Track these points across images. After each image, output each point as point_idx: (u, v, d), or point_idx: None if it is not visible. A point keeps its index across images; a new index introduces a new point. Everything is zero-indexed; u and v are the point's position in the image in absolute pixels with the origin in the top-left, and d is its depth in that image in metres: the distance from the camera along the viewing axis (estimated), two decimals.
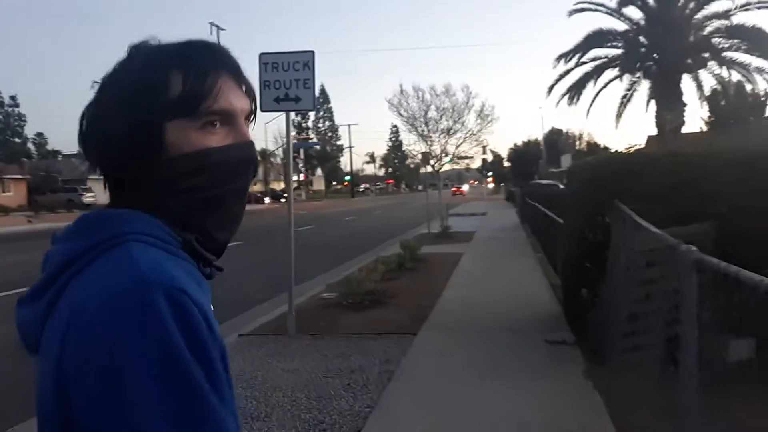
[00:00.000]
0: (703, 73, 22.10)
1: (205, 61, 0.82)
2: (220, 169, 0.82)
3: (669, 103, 22.03)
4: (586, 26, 22.93)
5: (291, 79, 6.19)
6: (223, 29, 54.25)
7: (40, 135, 71.12)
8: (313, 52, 6.20)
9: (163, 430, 0.65)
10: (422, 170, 19.25)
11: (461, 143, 17.55)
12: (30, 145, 75.68)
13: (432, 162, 17.93)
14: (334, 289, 8.61)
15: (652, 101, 23.49)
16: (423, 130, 17.29)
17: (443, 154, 17.53)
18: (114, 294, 0.69)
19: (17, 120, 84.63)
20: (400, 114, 17.29)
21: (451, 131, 17.29)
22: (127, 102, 0.78)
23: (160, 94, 0.79)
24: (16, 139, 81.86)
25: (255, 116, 0.89)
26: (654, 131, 24.07)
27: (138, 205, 0.79)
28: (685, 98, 22.22)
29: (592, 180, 5.77)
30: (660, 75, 22.31)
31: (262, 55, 6.24)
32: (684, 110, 22.07)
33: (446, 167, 18.54)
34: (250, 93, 0.87)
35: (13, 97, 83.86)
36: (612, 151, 5.91)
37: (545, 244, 11.87)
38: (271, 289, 9.04)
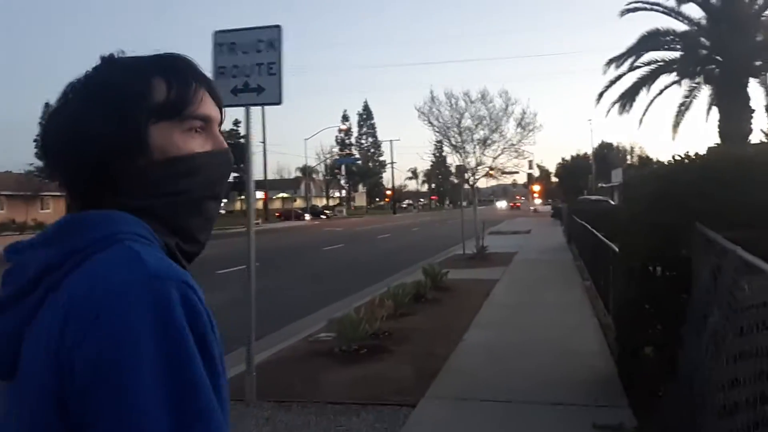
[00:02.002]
0: None
1: (185, 71, 0.85)
2: (204, 173, 0.84)
3: (734, 110, 19.75)
4: (640, 29, 20.71)
5: (252, 64, 4.72)
6: None
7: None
8: (279, 27, 4.72)
9: (161, 419, 0.65)
10: (464, 185, 17.44)
11: (498, 155, 15.75)
12: None
13: (467, 175, 16.22)
14: (336, 327, 7.04)
15: (714, 109, 21.27)
16: (456, 141, 15.61)
17: (478, 167, 15.77)
18: (127, 285, 0.68)
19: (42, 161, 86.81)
20: (430, 123, 15.67)
21: (488, 141, 15.53)
22: (111, 105, 0.79)
23: (144, 98, 0.80)
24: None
25: (221, 126, 0.90)
26: (715, 142, 21.80)
27: (118, 209, 0.79)
28: (752, 104, 19.96)
29: (663, 195, 4.07)
30: (723, 79, 20.08)
31: (217, 33, 4.80)
32: (752, 117, 19.75)
33: (491, 182, 16.81)
34: (219, 105, 0.89)
35: None
36: (689, 154, 4.11)
37: (594, 270, 10.04)
38: (261, 326, 7.53)
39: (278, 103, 4.61)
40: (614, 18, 21.90)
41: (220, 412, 0.69)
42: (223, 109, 0.90)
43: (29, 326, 0.71)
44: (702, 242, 3.34)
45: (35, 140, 0.96)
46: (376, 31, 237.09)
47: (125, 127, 0.78)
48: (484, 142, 15.51)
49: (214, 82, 0.90)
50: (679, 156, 4.59)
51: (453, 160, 16.37)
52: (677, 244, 3.94)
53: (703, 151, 4.63)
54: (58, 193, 44.27)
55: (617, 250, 5.24)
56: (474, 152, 15.61)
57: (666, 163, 4.72)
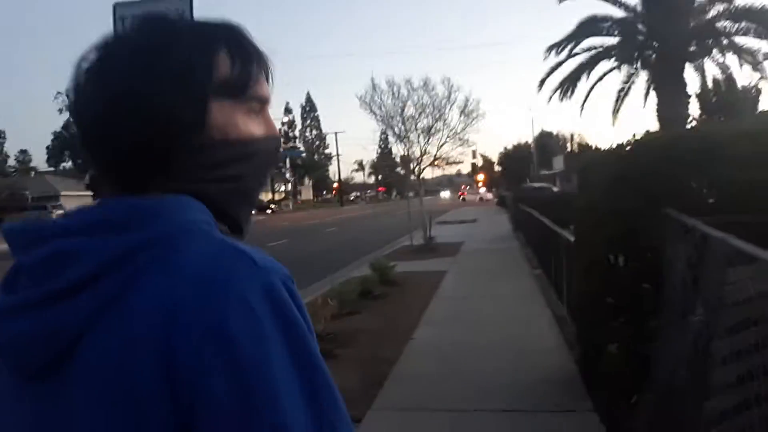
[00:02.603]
0: (707, 63, 20.24)
1: (251, 48, 0.78)
2: (259, 159, 0.78)
3: (671, 95, 20.07)
4: (579, 16, 20.74)
5: None
6: None
7: (24, 152, 68.47)
8: None
9: (305, 417, 0.62)
10: (411, 176, 16.99)
11: (443, 144, 15.39)
12: (12, 162, 73.95)
13: (412, 165, 15.83)
14: None
15: (651, 95, 21.62)
16: (400, 130, 15.18)
17: (423, 156, 15.39)
18: (242, 284, 0.62)
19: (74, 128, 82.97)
20: (373, 112, 15.17)
21: (432, 130, 15.17)
22: (176, 75, 0.70)
23: (209, 71, 0.72)
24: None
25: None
26: (653, 127, 22.17)
27: (167, 192, 0.70)
28: (688, 89, 20.34)
29: (621, 178, 3.72)
30: (660, 65, 20.37)
31: (117, 5, 4.18)
32: (689, 102, 20.13)
33: (437, 173, 16.47)
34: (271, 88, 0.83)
35: None
36: (650, 132, 3.76)
37: (544, 258, 9.81)
38: None
39: None
40: (553, 5, 21.82)
41: (338, 393, 0.66)
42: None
43: (95, 326, 0.63)
44: (674, 229, 2.99)
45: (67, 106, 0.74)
46: (316, 21, 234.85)
47: (190, 101, 0.70)
48: (428, 131, 15.14)
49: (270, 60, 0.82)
50: (636, 136, 4.28)
51: (398, 150, 15.88)
52: (640, 231, 3.60)
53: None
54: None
55: (572, 239, 4.90)
56: (418, 141, 15.23)
57: (624, 143, 4.39)
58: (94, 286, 0.63)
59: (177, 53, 0.70)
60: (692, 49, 20.45)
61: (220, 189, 0.73)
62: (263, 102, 0.78)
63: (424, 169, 15.83)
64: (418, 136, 15.14)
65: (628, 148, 4.14)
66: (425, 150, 15.30)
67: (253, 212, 0.83)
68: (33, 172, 62.31)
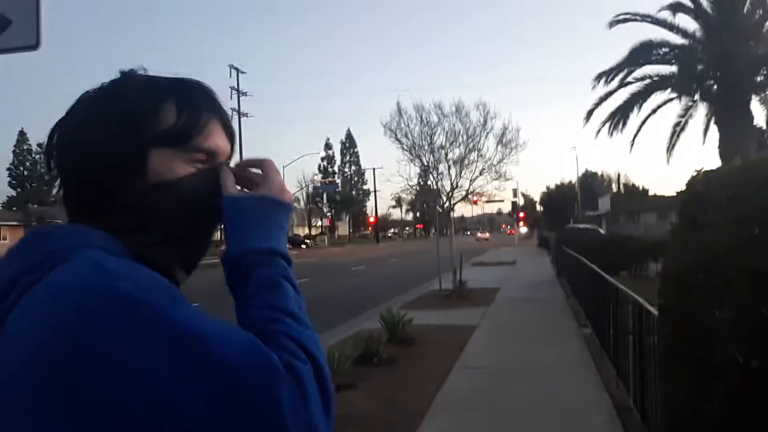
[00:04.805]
0: None
1: (199, 100, 0.83)
2: (197, 194, 0.81)
3: (735, 130, 17.99)
4: (631, 45, 18.87)
5: None
6: (243, 72, 52.66)
7: None
8: None
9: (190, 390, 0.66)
10: (440, 211, 15.26)
11: (476, 177, 13.64)
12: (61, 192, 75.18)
13: (442, 201, 14.12)
14: None
15: (711, 130, 19.58)
16: (428, 161, 13.54)
17: (454, 191, 13.66)
18: (83, 285, 0.67)
19: (44, 167, 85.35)
20: (398, 140, 13.60)
21: (465, 161, 13.47)
22: (117, 123, 0.78)
23: (151, 122, 0.79)
24: (44, 187, 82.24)
25: (231, 158, 0.89)
26: (713, 165, 20.03)
27: (109, 225, 0.78)
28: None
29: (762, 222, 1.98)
30: (723, 96, 18.38)
31: None
32: (756, 136, 18.00)
33: (477, 211, 14.70)
34: (232, 139, 0.88)
35: (40, 145, 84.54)
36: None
37: (593, 314, 7.94)
38: None
39: (34, 46, 2.49)
40: (601, 37, 20.18)
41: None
42: (235, 141, 0.90)
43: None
44: None
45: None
46: (360, 56, 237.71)
47: (127, 148, 0.78)
48: (461, 162, 13.46)
49: (228, 114, 0.88)
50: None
51: (432, 184, 14.23)
52: None
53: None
54: (15, 223, 42.28)
55: (657, 312, 3.12)
56: (449, 174, 13.54)
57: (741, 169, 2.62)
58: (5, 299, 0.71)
59: (122, 103, 0.79)
60: (760, 78, 18.44)
61: (159, 220, 0.79)
62: (210, 154, 0.83)
63: (455, 204, 14.08)
64: (449, 168, 13.47)
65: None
66: (457, 183, 13.59)
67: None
68: None
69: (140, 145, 0.77)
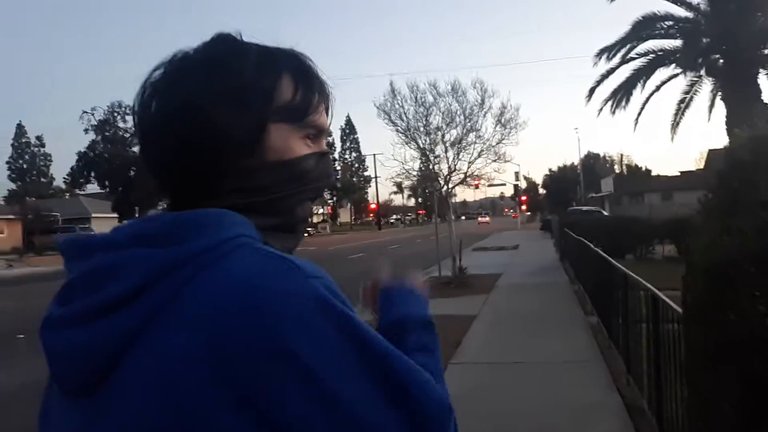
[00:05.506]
0: None
1: (315, 78, 0.81)
2: (310, 176, 0.79)
3: (743, 106, 17.34)
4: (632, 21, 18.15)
5: None
6: None
7: (71, 174, 68.20)
8: None
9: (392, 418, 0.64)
10: (451, 198, 14.66)
11: (475, 158, 13.05)
12: (60, 184, 74.92)
13: (439, 184, 13.57)
14: None
15: (717, 106, 18.94)
16: (424, 143, 12.97)
17: (452, 174, 13.08)
18: (287, 292, 0.62)
19: (43, 160, 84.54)
20: (392, 122, 13.01)
21: (463, 143, 12.89)
22: (238, 96, 0.72)
23: (272, 95, 0.75)
24: (42, 179, 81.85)
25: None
26: (717, 143, 19.40)
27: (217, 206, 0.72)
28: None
29: None
30: (729, 70, 17.71)
31: None
32: (765, 111, 17.34)
33: (479, 195, 14.13)
34: (331, 116, 0.86)
35: (39, 137, 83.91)
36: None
37: (600, 303, 7.44)
38: None
39: None
40: (602, 12, 19.47)
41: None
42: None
43: (141, 339, 0.62)
44: None
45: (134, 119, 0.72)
46: (358, 41, 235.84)
47: (249, 122, 0.73)
48: (459, 144, 12.88)
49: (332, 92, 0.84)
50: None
51: (416, 165, 13.68)
52: None
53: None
54: (11, 216, 41.81)
55: (677, 308, 2.60)
56: (446, 156, 12.96)
57: None
58: (139, 299, 0.63)
59: (240, 71, 0.73)
60: (767, 52, 17.76)
61: (269, 202, 0.74)
62: (320, 131, 0.80)
63: (453, 188, 13.52)
64: (446, 150, 12.89)
65: None
66: (454, 166, 13.02)
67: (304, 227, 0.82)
68: (68, 194, 62.44)
69: (263, 120, 0.73)
